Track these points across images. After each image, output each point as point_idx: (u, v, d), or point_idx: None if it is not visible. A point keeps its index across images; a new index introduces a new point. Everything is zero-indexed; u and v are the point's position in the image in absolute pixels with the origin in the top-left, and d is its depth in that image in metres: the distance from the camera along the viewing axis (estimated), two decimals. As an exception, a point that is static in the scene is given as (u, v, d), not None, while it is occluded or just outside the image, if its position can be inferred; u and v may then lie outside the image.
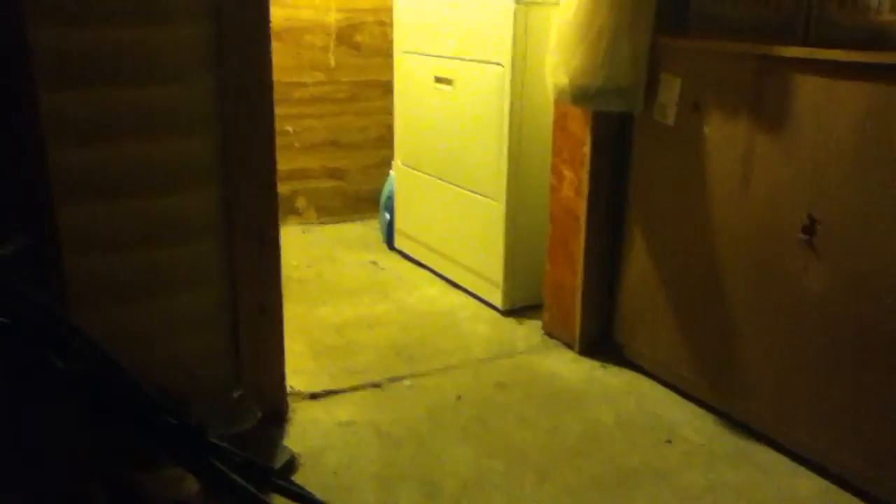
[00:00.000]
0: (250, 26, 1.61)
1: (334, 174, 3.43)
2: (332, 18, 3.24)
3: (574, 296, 2.22)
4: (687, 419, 1.93)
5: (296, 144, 3.31)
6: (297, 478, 1.65)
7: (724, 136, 1.82)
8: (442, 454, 1.77)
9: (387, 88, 3.06)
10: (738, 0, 1.78)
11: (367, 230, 3.37)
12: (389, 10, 2.93)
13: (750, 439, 1.83)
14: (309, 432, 1.82)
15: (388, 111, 3.05)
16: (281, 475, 1.64)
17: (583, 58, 1.89)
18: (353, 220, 3.47)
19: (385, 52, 3.19)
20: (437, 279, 2.80)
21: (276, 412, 1.84)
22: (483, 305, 2.57)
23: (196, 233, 1.66)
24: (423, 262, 2.91)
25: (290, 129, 3.24)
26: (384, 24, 3.26)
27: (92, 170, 1.52)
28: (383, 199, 3.18)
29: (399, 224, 3.04)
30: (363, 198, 3.48)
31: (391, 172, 3.11)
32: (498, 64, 2.34)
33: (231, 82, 1.61)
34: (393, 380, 2.09)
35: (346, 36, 3.29)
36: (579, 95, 1.95)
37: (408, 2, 2.78)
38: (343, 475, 1.68)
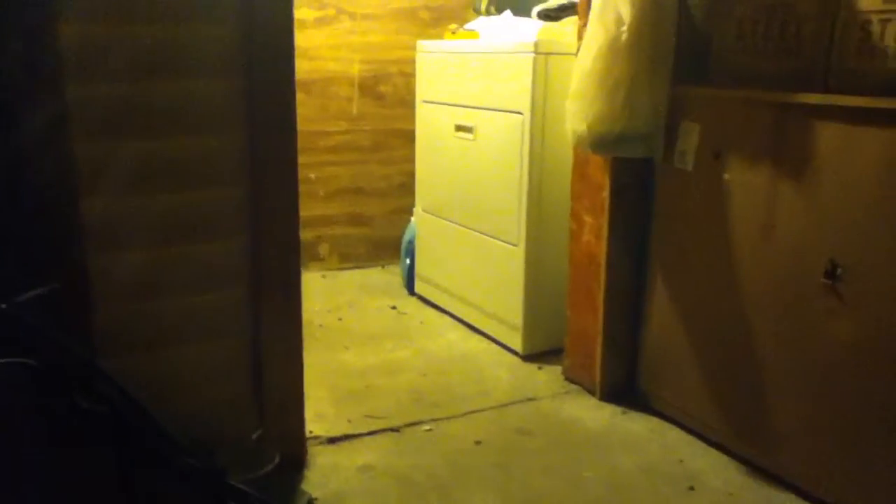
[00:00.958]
0: (278, 82, 1.66)
1: (357, 220, 3.48)
2: (356, 70, 3.33)
3: (595, 341, 2.21)
4: (712, 467, 1.89)
5: (320, 192, 3.36)
6: (316, 523, 1.64)
7: (744, 182, 1.82)
8: (463, 501, 1.74)
9: (410, 137, 3.12)
10: (757, 51, 1.81)
11: (387, 276, 3.40)
12: (412, 62, 3.00)
13: (777, 489, 1.79)
14: (328, 477, 1.81)
15: (411, 160, 3.10)
16: (299, 520, 1.63)
17: (601, 106, 1.92)
18: (373, 266, 3.50)
19: (408, 103, 3.26)
20: (458, 324, 2.80)
21: (295, 457, 1.84)
22: (503, 350, 2.56)
23: (223, 280, 1.69)
24: (443, 307, 2.92)
25: (313, 176, 3.30)
26: (407, 76, 3.34)
27: (123, 219, 1.56)
28: (404, 244, 3.21)
29: (420, 269, 3.06)
30: (384, 244, 3.52)
31: (412, 219, 3.14)
32: (518, 112, 2.38)
33: (260, 133, 1.65)
34: (412, 425, 2.08)
35: (369, 87, 3.37)
36: (598, 142, 1.97)
37: (430, 53, 2.85)
38: (362, 521, 1.67)
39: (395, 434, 2.03)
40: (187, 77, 1.57)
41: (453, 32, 2.84)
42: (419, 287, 3.08)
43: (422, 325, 2.83)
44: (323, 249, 3.43)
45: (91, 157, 1.48)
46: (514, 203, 2.44)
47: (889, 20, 1.53)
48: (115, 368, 1.42)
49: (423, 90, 2.92)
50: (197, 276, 1.66)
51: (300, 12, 3.04)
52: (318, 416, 2.07)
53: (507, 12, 2.88)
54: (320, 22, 3.23)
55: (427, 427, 2.07)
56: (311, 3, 3.19)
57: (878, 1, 1.55)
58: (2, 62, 1.36)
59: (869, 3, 1.56)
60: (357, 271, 3.44)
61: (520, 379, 2.38)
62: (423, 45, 2.90)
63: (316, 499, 1.71)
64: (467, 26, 2.83)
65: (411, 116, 3.06)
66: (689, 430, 2.04)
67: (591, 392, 2.25)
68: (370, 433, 2.03)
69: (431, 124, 2.87)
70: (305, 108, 3.17)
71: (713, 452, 1.95)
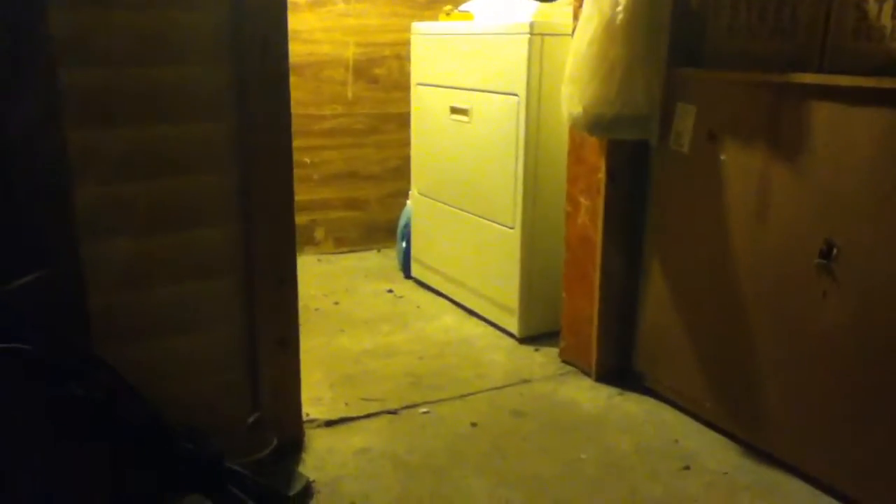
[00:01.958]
0: (271, 66, 1.64)
1: (352, 204, 3.47)
2: (351, 53, 3.31)
3: (591, 323, 2.22)
4: (708, 448, 1.90)
5: (314, 176, 3.35)
6: (314, 505, 1.64)
7: (740, 163, 1.82)
8: (460, 483, 1.76)
9: (405, 120, 3.11)
10: (753, 33, 1.80)
11: (383, 259, 3.39)
12: (407, 45, 2.98)
13: (772, 468, 1.80)
14: (325, 460, 1.82)
15: (406, 143, 3.09)
16: (296, 502, 1.64)
17: (597, 88, 1.91)
18: (369, 250, 3.49)
19: (403, 86, 3.24)
20: (454, 307, 2.80)
21: (292, 441, 1.85)
22: (500, 333, 2.57)
23: (217, 267, 1.69)
24: (439, 290, 2.92)
25: (307, 160, 3.29)
26: (402, 59, 3.32)
27: (116, 206, 1.55)
28: (400, 228, 3.21)
29: (416, 253, 3.06)
30: (380, 227, 3.51)
31: (408, 202, 3.14)
32: (513, 94, 2.37)
33: (253, 121, 1.64)
34: (409, 407, 2.09)
35: (364, 70, 3.35)
36: (594, 124, 1.97)
37: (424, 35, 2.83)
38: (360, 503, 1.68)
39: (391, 417, 2.04)
40: (179, 63, 1.56)
41: (448, 14, 2.82)
42: (415, 270, 3.08)
43: (418, 308, 2.83)
44: (318, 233, 3.43)
45: (82, 144, 1.47)
46: (509, 186, 2.44)
47: (886, -1, 1.52)
48: (110, 355, 1.42)
49: (417, 73, 2.90)
50: (191, 262, 1.65)
51: (293, -6, 3.01)
52: (315, 400, 2.08)
53: (502, -7, 2.85)
54: (314, 4, 3.20)
55: (424, 410, 2.08)
56: (305, -14, 3.17)
57: (874, -20, 1.54)
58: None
59: (865, -18, 1.55)
60: (353, 255, 3.44)
61: (516, 361, 2.39)
62: (418, 27, 2.88)
63: (313, 481, 1.72)
64: (462, 8, 2.80)
65: (406, 99, 3.05)
66: (685, 411, 2.05)
67: (587, 374, 2.26)
68: (367, 416, 2.03)
69: (427, 107, 2.86)
70: (299, 92, 3.15)
71: (708, 433, 1.97)
